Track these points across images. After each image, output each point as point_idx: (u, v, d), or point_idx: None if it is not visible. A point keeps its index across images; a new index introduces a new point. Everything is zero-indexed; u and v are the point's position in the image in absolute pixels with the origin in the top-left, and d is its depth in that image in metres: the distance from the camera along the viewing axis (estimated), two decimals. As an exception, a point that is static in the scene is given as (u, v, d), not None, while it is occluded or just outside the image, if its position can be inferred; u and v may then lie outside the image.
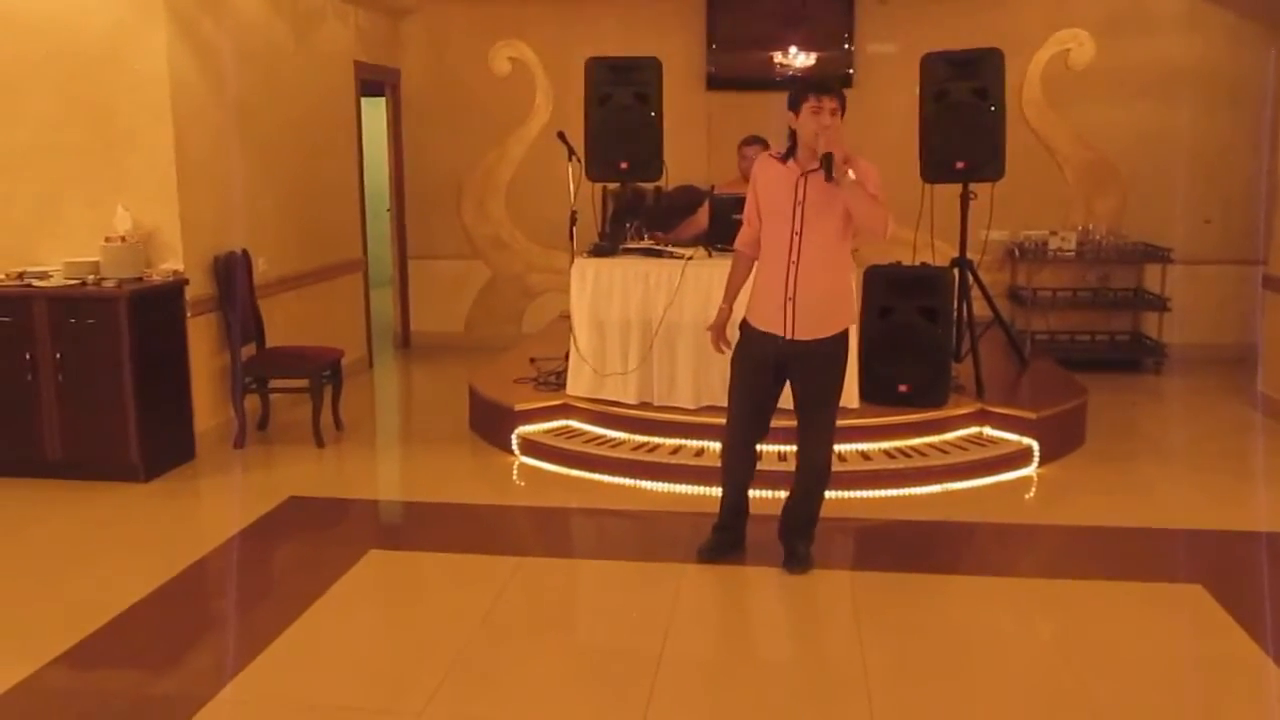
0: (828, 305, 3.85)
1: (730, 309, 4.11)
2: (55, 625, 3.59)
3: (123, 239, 5.16)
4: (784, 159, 3.87)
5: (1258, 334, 6.58)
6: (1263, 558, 4.21)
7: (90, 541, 4.48)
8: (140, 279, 5.15)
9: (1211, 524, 4.60)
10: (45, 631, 3.55)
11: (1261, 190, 7.33)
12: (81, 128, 5.33)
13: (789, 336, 3.83)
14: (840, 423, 4.09)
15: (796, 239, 3.79)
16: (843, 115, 3.74)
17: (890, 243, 6.24)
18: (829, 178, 3.66)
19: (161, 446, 5.24)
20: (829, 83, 3.82)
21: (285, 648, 3.47)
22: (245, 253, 5.87)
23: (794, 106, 3.78)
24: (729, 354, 4.12)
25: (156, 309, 5.20)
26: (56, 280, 5.10)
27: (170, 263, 5.38)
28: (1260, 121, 7.36)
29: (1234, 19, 7.49)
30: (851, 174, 3.65)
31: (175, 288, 5.32)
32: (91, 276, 5.08)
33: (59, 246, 5.31)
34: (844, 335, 3.93)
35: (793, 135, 3.84)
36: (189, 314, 5.42)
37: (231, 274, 5.71)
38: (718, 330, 4.16)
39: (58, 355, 5.03)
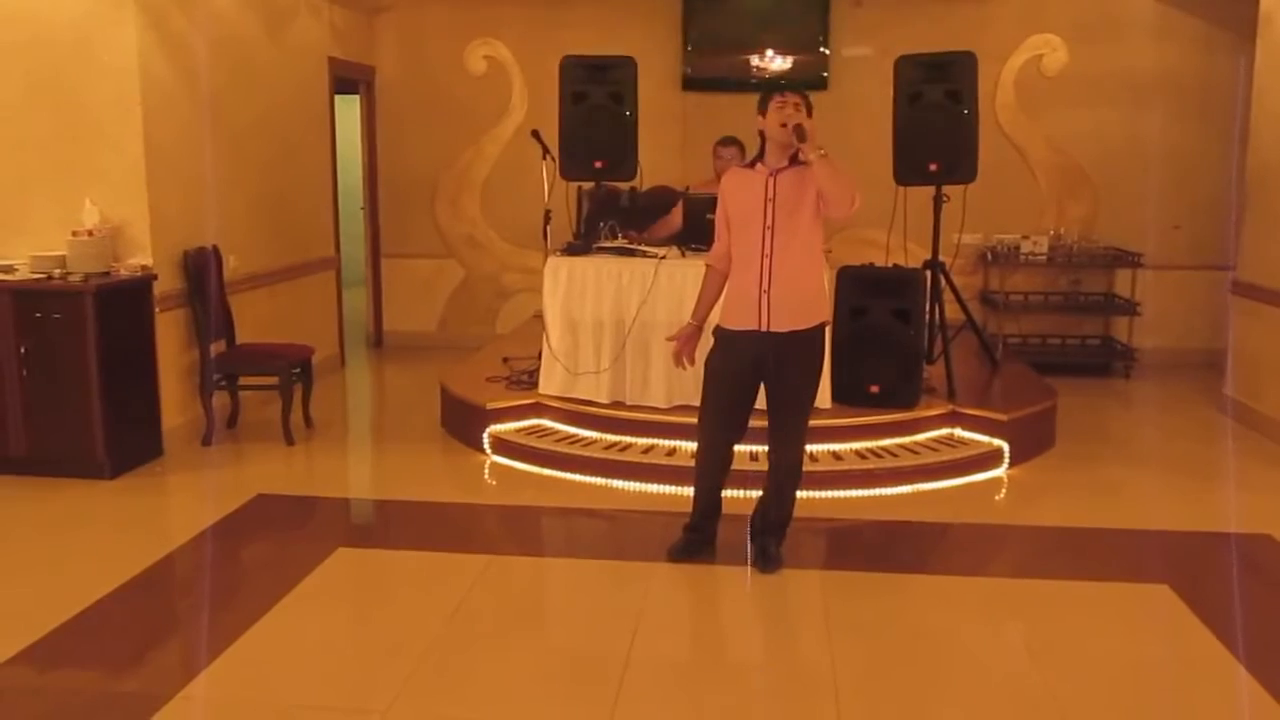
0: (803, 297, 3.87)
1: (700, 326, 4.08)
2: (16, 622, 3.54)
3: (90, 233, 5.10)
4: (752, 165, 3.97)
5: (1226, 339, 6.64)
6: (1229, 558, 4.24)
7: (54, 538, 4.42)
8: (108, 274, 5.09)
9: (1178, 525, 4.63)
10: (5, 628, 3.49)
11: (1230, 196, 7.40)
12: (49, 120, 5.26)
13: (766, 329, 3.84)
14: (812, 423, 4.09)
15: (769, 233, 3.83)
16: (809, 115, 3.81)
17: (863, 244, 6.34)
18: (801, 141, 3.69)
19: (128, 443, 5.18)
20: (795, 85, 3.98)
21: (250, 646, 3.44)
22: (216, 249, 5.82)
23: (762, 107, 3.88)
24: (689, 370, 4.14)
25: (124, 304, 5.14)
26: (22, 274, 5.04)
27: (139, 258, 5.31)
28: (1230, 128, 7.42)
29: (1204, 27, 7.56)
30: (823, 150, 3.68)
31: (143, 283, 5.26)
32: (58, 271, 5.01)
33: (25, 240, 5.22)
34: (820, 331, 3.94)
35: (762, 141, 3.92)
36: (157, 310, 5.36)
37: (202, 270, 5.66)
38: (683, 342, 4.08)
39: (22, 350, 4.96)
